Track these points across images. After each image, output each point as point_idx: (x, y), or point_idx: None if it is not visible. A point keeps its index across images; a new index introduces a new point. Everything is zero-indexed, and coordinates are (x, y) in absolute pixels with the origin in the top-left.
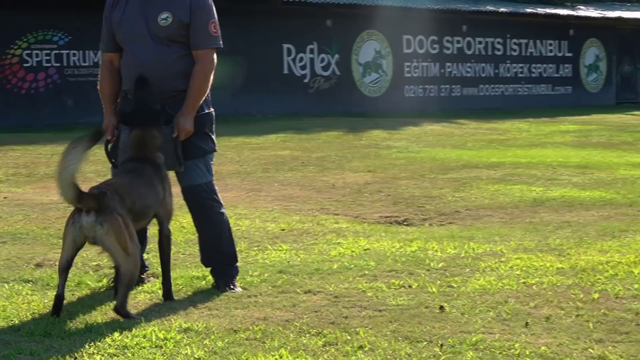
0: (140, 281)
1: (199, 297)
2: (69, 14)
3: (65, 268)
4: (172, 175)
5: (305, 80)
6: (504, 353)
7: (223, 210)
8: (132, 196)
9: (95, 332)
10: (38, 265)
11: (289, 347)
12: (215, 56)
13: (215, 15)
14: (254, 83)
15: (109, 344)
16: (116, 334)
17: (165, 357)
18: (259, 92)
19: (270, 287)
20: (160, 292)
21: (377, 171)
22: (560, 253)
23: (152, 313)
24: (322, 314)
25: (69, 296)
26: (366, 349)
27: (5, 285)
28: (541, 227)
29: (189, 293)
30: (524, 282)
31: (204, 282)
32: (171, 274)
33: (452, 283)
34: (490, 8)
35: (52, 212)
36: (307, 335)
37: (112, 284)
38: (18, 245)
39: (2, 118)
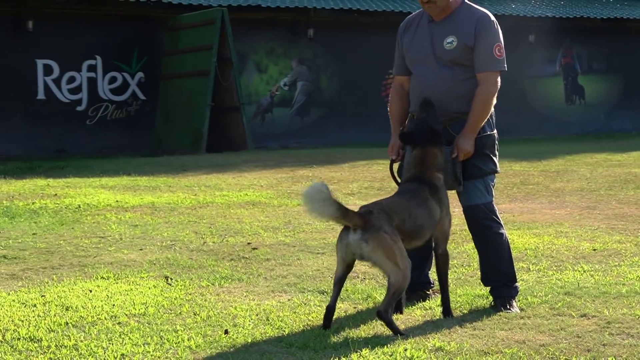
0: (424, 297)
1: (472, 316)
2: None
3: (338, 282)
4: (453, 195)
5: None
6: None
7: (502, 230)
8: (401, 215)
9: (348, 347)
10: None
11: None
12: (498, 79)
13: (501, 39)
14: (629, 99)
15: None
16: (365, 350)
17: None
18: (634, 108)
19: (547, 309)
20: (438, 309)
21: None
22: None
23: (415, 330)
24: (582, 340)
25: (351, 309)
26: None
27: (299, 295)
28: None
29: (465, 311)
30: None
31: (484, 301)
32: (458, 290)
33: None
34: None
35: None
36: None
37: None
38: (334, 257)
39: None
